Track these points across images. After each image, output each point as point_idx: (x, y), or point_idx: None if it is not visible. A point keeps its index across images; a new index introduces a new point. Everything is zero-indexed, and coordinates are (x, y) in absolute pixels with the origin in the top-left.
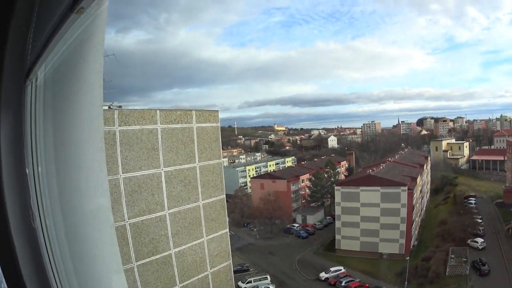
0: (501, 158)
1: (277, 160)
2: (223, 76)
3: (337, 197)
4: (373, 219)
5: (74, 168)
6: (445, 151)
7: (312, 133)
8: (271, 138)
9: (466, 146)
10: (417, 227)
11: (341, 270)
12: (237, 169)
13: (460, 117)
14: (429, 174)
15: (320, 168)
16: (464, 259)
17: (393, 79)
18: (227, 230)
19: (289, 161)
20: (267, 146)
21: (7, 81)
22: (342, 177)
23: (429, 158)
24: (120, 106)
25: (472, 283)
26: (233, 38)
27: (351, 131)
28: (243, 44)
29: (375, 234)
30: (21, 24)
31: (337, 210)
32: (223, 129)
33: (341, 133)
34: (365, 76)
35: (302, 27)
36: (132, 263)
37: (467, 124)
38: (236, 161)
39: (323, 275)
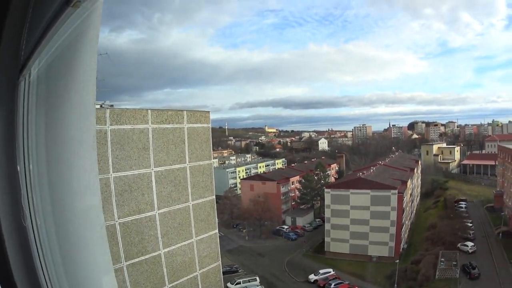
0: (492, 163)
1: (267, 162)
2: (215, 77)
3: (327, 200)
4: (363, 222)
5: (65, 166)
6: (436, 155)
7: (303, 135)
8: (261, 140)
9: (457, 151)
10: (407, 231)
11: (330, 272)
12: (227, 170)
13: (452, 122)
14: (420, 178)
15: (310, 171)
16: (454, 263)
17: (385, 82)
18: (217, 231)
19: (279, 163)
20: (257, 147)
21: (0, 77)
22: (332, 179)
23: (419, 162)
24: (112, 105)
25: (462, 286)
26: (226, 39)
27: (342, 134)
28: (236, 46)
29: (364, 236)
30: (16, 19)
31: (327, 213)
32: (214, 130)
33: (332, 136)
34: (357, 80)
35: (295, 29)
36: (122, 263)
37: (458, 128)
38: (226, 162)
39: (312, 277)
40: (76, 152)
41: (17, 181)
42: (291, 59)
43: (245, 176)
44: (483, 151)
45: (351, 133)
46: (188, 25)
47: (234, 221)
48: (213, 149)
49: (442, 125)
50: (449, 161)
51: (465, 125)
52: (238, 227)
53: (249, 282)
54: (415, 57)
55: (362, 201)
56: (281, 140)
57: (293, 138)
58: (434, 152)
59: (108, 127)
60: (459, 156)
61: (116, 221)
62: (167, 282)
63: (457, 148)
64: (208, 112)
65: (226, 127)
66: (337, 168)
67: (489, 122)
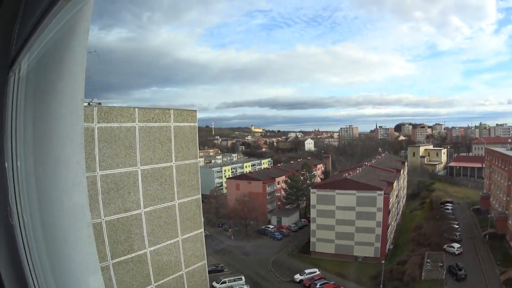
0: (479, 165)
1: (253, 162)
2: (203, 76)
3: (313, 200)
4: (349, 222)
5: (53, 164)
6: (423, 157)
7: (289, 135)
8: (247, 139)
9: (444, 153)
10: (393, 231)
11: (315, 272)
12: (213, 169)
13: (439, 124)
14: (406, 179)
15: (296, 171)
16: (440, 264)
17: (372, 84)
18: (202, 230)
19: (265, 163)
20: (243, 147)
21: None
22: (318, 180)
23: (406, 164)
24: (99, 103)
25: (448, 287)
26: (214, 39)
27: (328, 135)
28: (224, 45)
29: (350, 237)
30: (8, 12)
31: (313, 213)
32: (200, 129)
33: (318, 137)
34: (344, 81)
35: (283, 30)
36: (108, 261)
37: (445, 131)
38: (213, 161)
39: (297, 277)
40: (64, 149)
41: (4, 179)
42: (279, 59)
43: (231, 176)
44: (470, 154)
45: (338, 134)
46: (177, 25)
47: (219, 221)
48: (199, 148)
49: (429, 127)
50: (436, 163)
51: (452, 127)
52: (224, 227)
53: (234, 281)
54: (402, 59)
55: (348, 202)
56: (267, 140)
57: (279, 138)
58: (420, 154)
59: (96, 125)
60: (445, 158)
61: (103, 219)
62: (152, 281)
63: (444, 150)
64: (195, 111)
65: (213, 127)
66: (323, 168)
67: (477, 125)
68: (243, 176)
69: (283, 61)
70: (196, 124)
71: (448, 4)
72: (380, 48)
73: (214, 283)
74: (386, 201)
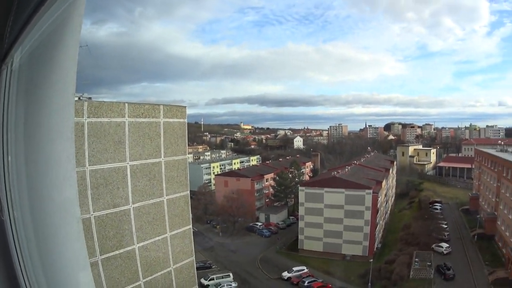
0: (469, 166)
1: (242, 158)
2: (193, 72)
3: (301, 198)
4: (337, 221)
5: (44, 158)
6: (412, 156)
7: (278, 133)
8: (237, 136)
9: (433, 153)
10: (381, 230)
11: (303, 270)
12: (201, 165)
13: (429, 124)
14: (395, 178)
15: (285, 168)
16: (428, 263)
17: (362, 83)
18: (191, 226)
19: (254, 160)
20: (232, 144)
21: None
22: (306, 177)
23: (395, 163)
24: (90, 98)
25: (437, 287)
26: (206, 35)
27: (317, 133)
28: (215, 42)
29: (338, 235)
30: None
31: (301, 211)
32: (189, 125)
33: (307, 134)
34: (334, 80)
35: (275, 27)
36: (97, 257)
37: (435, 131)
38: (201, 157)
39: (285, 274)
40: (54, 143)
41: None
42: (269, 56)
43: (219, 172)
44: (460, 154)
45: (327, 132)
46: (169, 20)
47: (208, 217)
48: (188, 145)
49: (419, 127)
50: (425, 163)
51: (442, 128)
52: (212, 223)
53: (222, 278)
54: (393, 59)
55: (336, 200)
56: (256, 137)
57: (268, 136)
58: (410, 154)
59: (86, 119)
60: (435, 158)
61: (92, 215)
62: (141, 277)
63: (433, 150)
64: (185, 107)
65: (202, 123)
66: (312, 166)
67: (467, 126)
68: (231, 173)
69: (274, 58)
70: (186, 120)
71: (441, 5)
72: (372, 48)
73: (202, 280)
74: (375, 200)
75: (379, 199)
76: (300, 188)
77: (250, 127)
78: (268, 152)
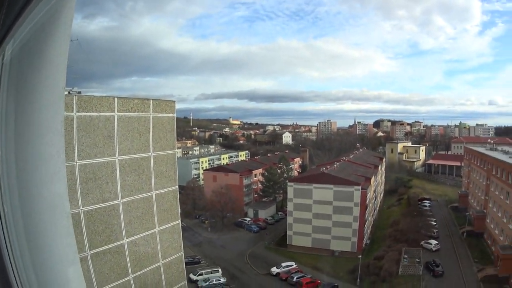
0: (458, 163)
1: (231, 154)
2: (183, 67)
3: (290, 193)
4: (325, 217)
5: (33, 152)
6: (401, 153)
7: (267, 128)
8: (225, 131)
9: (423, 150)
10: (370, 227)
11: (292, 265)
12: (190, 160)
13: (418, 122)
14: (384, 175)
15: (274, 164)
16: (417, 260)
17: (352, 80)
18: (179, 221)
19: (242, 155)
20: (221, 139)
21: None
22: (295, 173)
23: (384, 160)
24: (79, 92)
25: (426, 283)
26: (196, 30)
27: (306, 129)
28: (205, 37)
29: (327, 231)
30: None
31: (289, 206)
32: (178, 120)
33: (296, 130)
34: (324, 76)
35: (265, 23)
36: (86, 252)
37: (424, 128)
38: (190, 152)
39: (274, 270)
40: (44, 138)
41: None
42: (260, 52)
43: (208, 167)
44: (449, 152)
45: (316, 128)
46: (160, 15)
47: (196, 212)
48: (177, 139)
49: (408, 124)
50: (414, 160)
51: (432, 125)
52: (201, 218)
53: (211, 273)
54: (384, 56)
55: (325, 196)
56: (245, 133)
57: (257, 131)
58: (399, 151)
59: (75, 114)
60: (424, 156)
61: (81, 210)
62: (130, 272)
63: (423, 148)
64: (174, 101)
65: (191, 118)
66: (300, 162)
67: (456, 124)
68: (220, 168)
69: (264, 54)
70: (175, 115)
71: (433, 4)
72: (362, 45)
73: (191, 275)
74: (363, 196)
75: (368, 195)
76: (288, 183)
77: (239, 122)
78: (257, 147)
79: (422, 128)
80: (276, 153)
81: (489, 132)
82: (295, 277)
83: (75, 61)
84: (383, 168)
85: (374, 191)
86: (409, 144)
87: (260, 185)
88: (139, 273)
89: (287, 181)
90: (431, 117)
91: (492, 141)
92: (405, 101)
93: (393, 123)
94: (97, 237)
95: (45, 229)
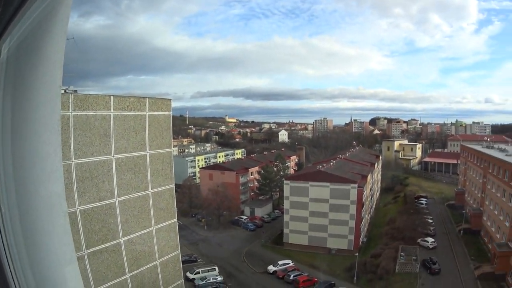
0: (454, 161)
1: (227, 152)
2: (178, 65)
3: (286, 191)
4: (322, 215)
5: (30, 151)
6: (397, 151)
7: (263, 126)
8: (221, 129)
9: (419, 148)
10: (366, 224)
11: (289, 263)
12: (186, 158)
13: (414, 119)
14: (380, 173)
15: (270, 162)
16: (414, 257)
17: (348, 78)
18: (176, 220)
19: (238, 153)
20: (217, 137)
21: None
22: (291, 171)
23: (380, 157)
24: (75, 91)
25: (423, 281)
26: (192, 28)
27: (302, 127)
28: (201, 34)
29: (323, 229)
30: None
31: (286, 204)
32: (174, 118)
33: (292, 128)
34: (320, 73)
35: (261, 21)
36: (83, 251)
37: (420, 126)
38: (186, 150)
39: (271, 268)
40: (41, 137)
41: None
42: (255, 50)
43: (204, 165)
44: (445, 150)
45: (312, 126)
46: (155, 13)
47: (192, 210)
48: (173, 137)
49: (405, 122)
50: (410, 157)
51: (428, 123)
52: (197, 217)
53: (208, 272)
54: (380, 54)
55: (321, 194)
56: (241, 131)
57: (253, 129)
58: (395, 148)
59: (71, 112)
60: (420, 154)
61: (77, 209)
62: (127, 271)
63: (419, 146)
64: (170, 100)
65: (187, 116)
66: (296, 160)
67: (453, 122)
68: (216, 166)
69: (259, 52)
70: (171, 113)
71: (429, 2)
72: (358, 42)
73: (188, 274)
74: (360, 194)
75: (364, 193)
76: (285, 181)
77: (235, 120)
78: (253, 145)
79: (418, 126)
80: (272, 151)
81: (485, 130)
82: (292, 275)
83: (71, 60)
84: (380, 166)
85: (371, 189)
86: (406, 142)
87: (256, 183)
88: (136, 271)
89: (284, 179)
90: (428, 115)
91: (488, 139)
92: (401, 99)
93: (389, 121)
94: (94, 236)
95: (42, 228)
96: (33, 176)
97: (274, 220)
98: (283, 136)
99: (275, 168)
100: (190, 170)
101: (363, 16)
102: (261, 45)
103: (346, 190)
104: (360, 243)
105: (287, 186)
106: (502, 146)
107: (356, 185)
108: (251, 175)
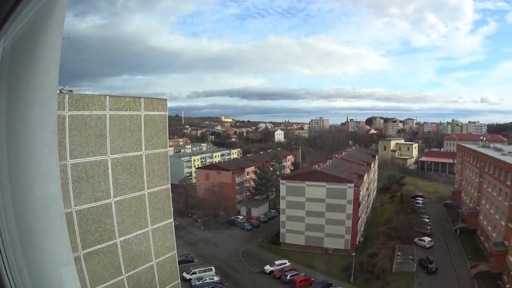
0: (451, 160)
1: (223, 152)
2: (174, 65)
3: (282, 191)
4: (319, 214)
5: (26, 152)
6: (394, 151)
7: (259, 126)
8: (217, 129)
9: (415, 147)
10: (363, 224)
11: (286, 263)
12: (182, 158)
13: (410, 119)
14: (376, 172)
15: (266, 161)
16: (411, 257)
17: (344, 77)
18: (172, 220)
19: (234, 153)
20: (213, 137)
21: None
22: (288, 171)
23: (376, 157)
24: (71, 91)
25: (419, 280)
26: (187, 27)
27: (298, 126)
28: (197, 34)
29: (320, 229)
30: None
31: (282, 204)
32: (170, 118)
33: (288, 128)
34: (316, 73)
35: (257, 20)
36: (79, 251)
37: (417, 126)
38: (182, 150)
39: (268, 268)
40: (37, 137)
41: None
42: (251, 50)
43: (200, 165)
44: (442, 149)
45: (308, 125)
46: (151, 12)
47: (189, 210)
48: (169, 137)
49: (401, 121)
50: (407, 157)
51: (424, 123)
52: (193, 217)
53: (204, 272)
54: (376, 53)
55: (318, 194)
56: (237, 130)
57: (249, 129)
58: (391, 148)
59: (67, 112)
60: (417, 153)
61: (73, 209)
62: (123, 271)
63: (415, 145)
64: (166, 100)
65: (183, 116)
66: (293, 160)
67: (449, 121)
68: (212, 166)
69: (255, 52)
70: (167, 113)
71: (425, 2)
72: (354, 42)
73: (185, 274)
74: (356, 193)
75: (361, 192)
76: (281, 181)
77: (231, 120)
78: (249, 145)
79: (414, 125)
80: (268, 151)
81: (481, 129)
82: (289, 275)
83: (66, 60)
84: (376, 166)
85: (367, 189)
86: (402, 141)
87: (252, 183)
88: (132, 272)
89: (280, 179)
90: (424, 114)
91: (484, 139)
92: (397, 98)
93: (386, 120)
94: (90, 236)
95: (39, 228)
96: (29, 176)
97: (271, 220)
98: (279, 135)
99: (271, 168)
100: (186, 170)
101: (359, 16)
102: (257, 45)
103: (343, 189)
104: (357, 242)
105: (284, 186)
106: (498, 145)
107: (352, 185)
108: (247, 175)
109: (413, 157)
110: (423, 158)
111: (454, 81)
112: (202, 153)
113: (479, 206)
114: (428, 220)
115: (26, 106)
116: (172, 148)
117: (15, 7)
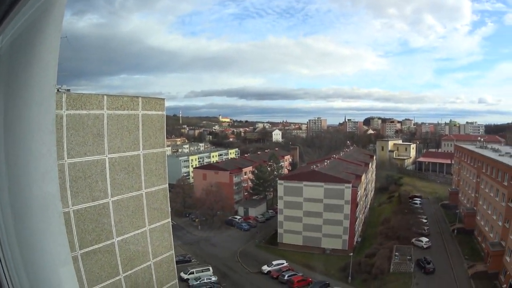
0: (448, 161)
1: (221, 151)
2: (172, 64)
3: (280, 191)
4: (316, 214)
5: (24, 152)
6: (391, 151)
7: (256, 126)
8: (215, 129)
9: (413, 148)
10: (361, 224)
11: (283, 263)
12: (180, 158)
13: (408, 119)
14: (374, 172)
15: (264, 161)
16: (408, 257)
17: (342, 77)
18: (169, 220)
19: (232, 153)
20: (211, 136)
21: None
22: (285, 171)
23: (374, 157)
24: (68, 90)
25: (417, 280)
26: (186, 27)
27: (296, 126)
28: (195, 34)
29: (318, 229)
30: None
31: (280, 204)
32: (168, 117)
33: (286, 128)
34: (314, 73)
35: (255, 20)
36: (76, 251)
37: (415, 126)
38: (180, 150)
39: (265, 268)
40: (35, 136)
41: None
42: (249, 49)
43: (198, 165)
44: (439, 150)
45: (306, 125)
46: (149, 12)
47: (186, 210)
48: (166, 137)
49: (399, 122)
50: (405, 157)
51: (422, 123)
52: (191, 217)
53: (202, 272)
54: (374, 54)
55: (315, 194)
56: (235, 130)
57: (247, 129)
58: (389, 148)
59: (64, 112)
60: (414, 153)
61: (71, 209)
62: (121, 271)
63: (413, 145)
64: (163, 99)
65: (180, 115)
66: (290, 160)
67: (447, 122)
68: (210, 166)
69: (254, 51)
70: (164, 113)
71: (423, 3)
72: (352, 42)
73: (182, 274)
74: (354, 194)
75: (359, 193)
76: (279, 181)
77: (228, 120)
78: (247, 145)
79: (412, 125)
80: (266, 150)
81: (479, 130)
82: (286, 275)
83: (64, 59)
84: (374, 166)
85: (365, 189)
86: (400, 141)
87: (250, 183)
88: (130, 272)
89: (277, 179)
90: (422, 115)
91: (482, 139)
92: (395, 99)
93: (384, 120)
94: (87, 236)
95: (36, 228)
96: (27, 176)
97: (268, 220)
98: (277, 135)
99: (269, 168)
100: (184, 170)
101: (358, 16)
102: (255, 45)
103: (340, 190)
104: (355, 243)
105: (281, 186)
106: (496, 146)
107: (350, 185)
108: (245, 175)
109: (411, 157)
110: (421, 159)
111: (452, 82)
112: (200, 153)
113: (476, 207)
114: (426, 221)
115: (24, 105)
116: (170, 148)
117: (13, 6)
